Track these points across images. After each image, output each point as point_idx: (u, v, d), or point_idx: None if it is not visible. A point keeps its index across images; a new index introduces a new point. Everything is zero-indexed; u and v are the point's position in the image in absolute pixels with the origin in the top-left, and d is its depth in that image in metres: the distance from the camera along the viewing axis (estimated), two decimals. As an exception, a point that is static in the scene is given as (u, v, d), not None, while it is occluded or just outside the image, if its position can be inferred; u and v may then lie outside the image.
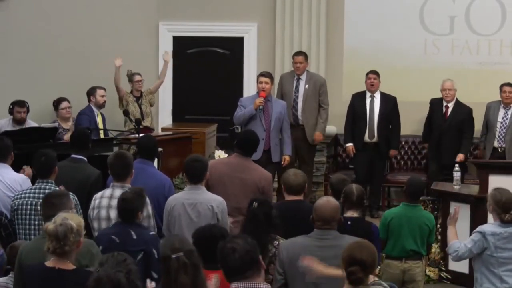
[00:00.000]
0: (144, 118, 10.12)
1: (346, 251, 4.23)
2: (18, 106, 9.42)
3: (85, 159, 6.98)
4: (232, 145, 7.14)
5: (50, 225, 4.42)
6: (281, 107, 9.07)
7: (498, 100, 9.85)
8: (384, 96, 9.97)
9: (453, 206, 6.32)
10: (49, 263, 4.43)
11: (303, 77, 9.85)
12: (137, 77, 10.25)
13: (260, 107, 8.83)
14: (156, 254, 5.11)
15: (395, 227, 6.51)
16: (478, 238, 5.73)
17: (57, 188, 6.16)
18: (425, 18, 10.70)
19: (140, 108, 10.20)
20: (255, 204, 5.45)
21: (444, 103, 9.86)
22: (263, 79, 8.97)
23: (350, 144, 10.01)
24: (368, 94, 9.96)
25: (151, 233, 5.42)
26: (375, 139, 9.91)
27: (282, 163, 9.04)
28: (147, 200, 5.98)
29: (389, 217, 6.60)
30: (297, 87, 9.84)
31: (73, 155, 6.96)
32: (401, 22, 10.71)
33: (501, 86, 9.79)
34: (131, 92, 10.26)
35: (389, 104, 9.94)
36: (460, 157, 9.64)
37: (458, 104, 9.86)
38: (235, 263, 3.98)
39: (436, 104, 9.93)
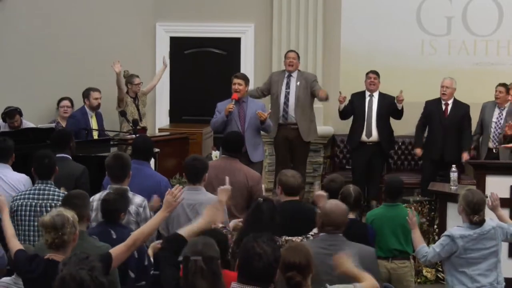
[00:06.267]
0: (142, 119, 10.14)
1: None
2: (8, 118, 9.35)
3: (70, 157, 7.03)
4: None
5: (45, 218, 4.48)
6: (257, 107, 8.98)
7: (493, 101, 9.89)
8: (382, 96, 9.97)
9: (411, 209, 6.32)
10: (46, 256, 4.50)
11: (295, 74, 9.84)
12: (137, 80, 10.27)
13: (231, 111, 8.78)
14: (136, 254, 5.11)
15: (377, 227, 6.53)
16: (446, 242, 5.74)
17: (57, 189, 6.16)
18: (422, 18, 10.71)
19: (138, 109, 10.22)
20: (260, 199, 5.42)
21: (443, 102, 9.86)
22: (236, 80, 8.93)
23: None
24: (367, 94, 9.97)
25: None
26: (372, 138, 9.91)
27: None
28: (145, 203, 5.99)
29: (370, 218, 6.64)
30: (288, 83, 9.82)
31: (57, 155, 6.94)
32: (398, 22, 10.73)
33: (496, 87, 9.85)
34: (127, 92, 10.28)
35: (388, 103, 9.93)
36: (464, 156, 9.66)
37: (456, 102, 9.89)
38: (257, 270, 3.88)
39: (433, 105, 9.93)
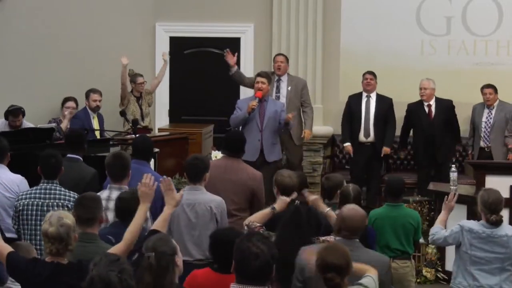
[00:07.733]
0: (144, 118, 10.16)
1: (319, 258, 4.13)
2: (12, 116, 9.35)
3: (81, 158, 6.99)
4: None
5: (50, 228, 4.39)
6: (277, 107, 9.03)
7: (482, 102, 9.91)
8: (380, 97, 9.98)
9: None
10: (48, 259, 4.45)
11: (284, 78, 9.86)
12: (140, 79, 10.29)
13: (254, 109, 8.80)
14: None
15: (378, 227, 6.54)
16: (456, 230, 5.86)
17: (63, 189, 6.15)
18: (422, 18, 10.70)
19: (141, 109, 10.24)
20: (297, 202, 5.35)
21: (425, 104, 9.89)
22: (259, 79, 8.97)
23: (347, 144, 10.03)
24: (364, 95, 9.98)
25: (147, 234, 5.40)
26: (370, 139, 9.92)
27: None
28: None
29: (372, 218, 6.63)
30: (278, 87, 9.84)
31: (69, 155, 6.96)
32: (398, 22, 10.72)
33: (482, 88, 9.86)
34: (131, 91, 10.29)
35: (385, 105, 9.95)
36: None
37: (438, 101, 9.92)
38: (255, 270, 3.89)
39: (415, 107, 9.95)
